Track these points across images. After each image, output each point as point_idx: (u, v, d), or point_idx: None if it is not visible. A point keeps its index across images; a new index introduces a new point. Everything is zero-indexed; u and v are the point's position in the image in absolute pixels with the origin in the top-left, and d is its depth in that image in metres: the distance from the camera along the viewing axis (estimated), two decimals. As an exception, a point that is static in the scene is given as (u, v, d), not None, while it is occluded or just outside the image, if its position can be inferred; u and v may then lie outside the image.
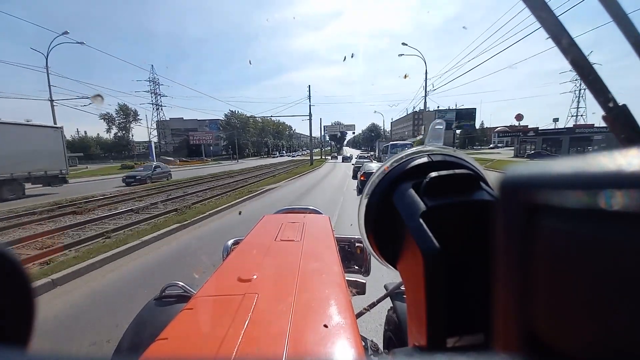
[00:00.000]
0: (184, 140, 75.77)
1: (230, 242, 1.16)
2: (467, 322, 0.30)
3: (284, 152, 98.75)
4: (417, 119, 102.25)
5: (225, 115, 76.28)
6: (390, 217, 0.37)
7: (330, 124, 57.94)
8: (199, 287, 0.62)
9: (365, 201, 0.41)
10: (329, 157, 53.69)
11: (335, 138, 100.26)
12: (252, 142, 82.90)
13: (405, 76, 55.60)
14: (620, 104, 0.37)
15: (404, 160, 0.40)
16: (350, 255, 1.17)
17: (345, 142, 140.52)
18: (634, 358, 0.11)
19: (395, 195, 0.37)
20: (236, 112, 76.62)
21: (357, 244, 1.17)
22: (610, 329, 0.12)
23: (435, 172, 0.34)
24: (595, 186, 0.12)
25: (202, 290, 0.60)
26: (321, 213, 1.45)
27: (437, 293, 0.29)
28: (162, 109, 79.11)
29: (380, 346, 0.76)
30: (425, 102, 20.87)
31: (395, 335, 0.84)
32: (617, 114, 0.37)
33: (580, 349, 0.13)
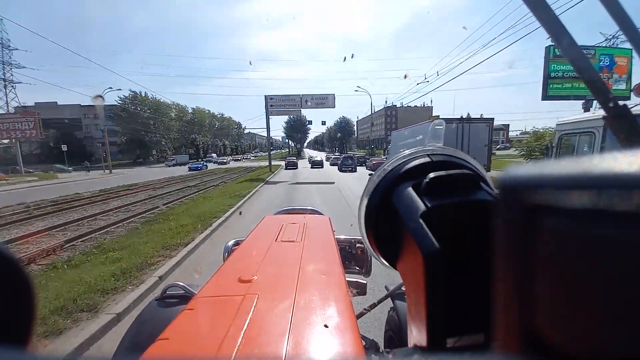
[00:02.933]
0: (57, 137, 48.52)
1: (230, 243, 1.15)
2: (467, 322, 0.30)
3: (213, 155, 64.89)
4: (390, 116, 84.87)
5: (121, 98, 47.48)
6: (390, 217, 0.37)
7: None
8: (200, 288, 0.62)
9: (365, 201, 0.40)
10: (283, 164, 32.21)
11: (294, 134, 78.28)
12: (171, 139, 56.70)
13: (405, 76, 55.40)
14: (620, 104, 0.37)
15: (404, 160, 0.40)
16: (351, 256, 1.16)
17: (305, 144, 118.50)
18: (635, 359, 0.11)
19: (395, 195, 0.37)
20: (141, 94, 50.29)
21: (357, 245, 1.16)
22: (611, 330, 0.12)
23: (435, 172, 0.34)
24: (596, 186, 0.12)
25: (203, 290, 0.60)
26: (321, 214, 1.45)
27: (437, 293, 0.29)
28: (14, 87, 49.24)
29: (381, 346, 0.77)
30: None
31: (395, 335, 0.84)
32: (617, 113, 0.37)
33: (580, 349, 0.13)
